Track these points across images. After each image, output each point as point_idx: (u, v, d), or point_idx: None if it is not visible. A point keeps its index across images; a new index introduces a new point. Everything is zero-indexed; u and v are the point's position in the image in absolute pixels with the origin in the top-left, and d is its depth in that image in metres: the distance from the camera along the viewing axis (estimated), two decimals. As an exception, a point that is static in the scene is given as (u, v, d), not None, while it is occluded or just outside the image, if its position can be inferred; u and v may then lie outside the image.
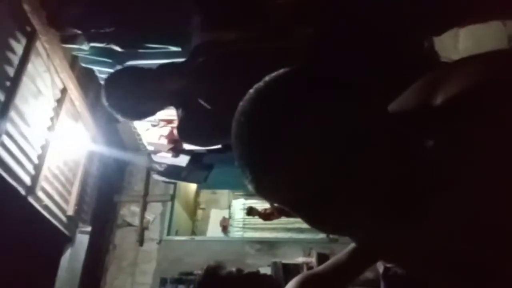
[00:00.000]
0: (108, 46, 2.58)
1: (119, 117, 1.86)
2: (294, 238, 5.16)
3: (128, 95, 1.80)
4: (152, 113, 1.98)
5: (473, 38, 2.08)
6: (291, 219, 5.71)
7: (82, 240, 3.76)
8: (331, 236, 5.23)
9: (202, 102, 1.87)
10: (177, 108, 1.94)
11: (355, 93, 0.61)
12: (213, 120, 1.68)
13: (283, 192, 0.61)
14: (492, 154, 0.58)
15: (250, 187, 0.63)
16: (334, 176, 0.58)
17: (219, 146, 2.90)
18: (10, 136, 2.68)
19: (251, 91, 0.62)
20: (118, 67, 2.73)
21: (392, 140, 0.61)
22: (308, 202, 0.62)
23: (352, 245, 1.03)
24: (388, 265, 2.04)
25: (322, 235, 5.25)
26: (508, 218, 0.59)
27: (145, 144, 3.65)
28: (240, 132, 0.61)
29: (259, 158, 0.59)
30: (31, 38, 2.67)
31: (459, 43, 2.24)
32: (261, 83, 0.62)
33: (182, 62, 2.17)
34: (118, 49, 2.60)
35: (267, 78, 0.62)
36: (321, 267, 1.07)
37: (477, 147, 0.59)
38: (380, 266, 2.08)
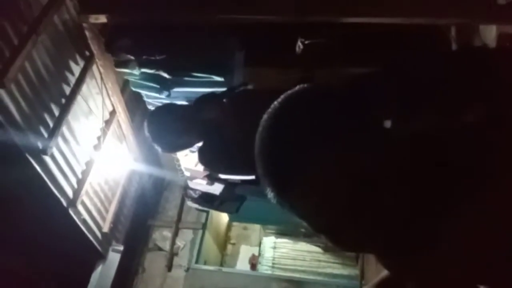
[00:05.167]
0: (157, 72, 2.78)
1: (159, 149, 2.10)
2: (323, 280, 5.03)
3: (166, 130, 2.04)
4: (188, 145, 2.22)
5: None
6: (322, 263, 5.60)
7: (113, 258, 3.82)
8: (363, 282, 5.06)
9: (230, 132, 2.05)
10: (204, 136, 2.12)
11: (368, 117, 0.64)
12: (238, 151, 1.80)
13: (307, 200, 0.62)
14: None
15: (272, 200, 0.63)
16: (354, 197, 0.60)
17: (252, 177, 2.98)
18: (60, 150, 2.86)
19: (272, 107, 0.64)
20: (165, 92, 2.91)
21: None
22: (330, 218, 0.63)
23: (378, 277, 1.03)
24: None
25: (352, 281, 5.09)
26: None
27: (183, 169, 3.76)
28: (262, 146, 0.63)
29: (281, 168, 0.60)
30: (88, 61, 2.89)
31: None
32: (280, 99, 0.64)
33: (221, 93, 2.37)
34: (166, 75, 2.79)
35: (288, 93, 0.65)
36: None
37: None
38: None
